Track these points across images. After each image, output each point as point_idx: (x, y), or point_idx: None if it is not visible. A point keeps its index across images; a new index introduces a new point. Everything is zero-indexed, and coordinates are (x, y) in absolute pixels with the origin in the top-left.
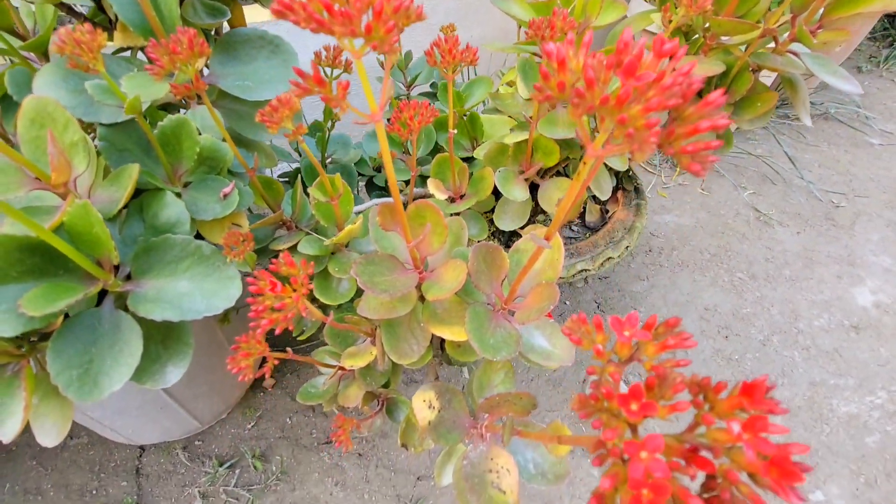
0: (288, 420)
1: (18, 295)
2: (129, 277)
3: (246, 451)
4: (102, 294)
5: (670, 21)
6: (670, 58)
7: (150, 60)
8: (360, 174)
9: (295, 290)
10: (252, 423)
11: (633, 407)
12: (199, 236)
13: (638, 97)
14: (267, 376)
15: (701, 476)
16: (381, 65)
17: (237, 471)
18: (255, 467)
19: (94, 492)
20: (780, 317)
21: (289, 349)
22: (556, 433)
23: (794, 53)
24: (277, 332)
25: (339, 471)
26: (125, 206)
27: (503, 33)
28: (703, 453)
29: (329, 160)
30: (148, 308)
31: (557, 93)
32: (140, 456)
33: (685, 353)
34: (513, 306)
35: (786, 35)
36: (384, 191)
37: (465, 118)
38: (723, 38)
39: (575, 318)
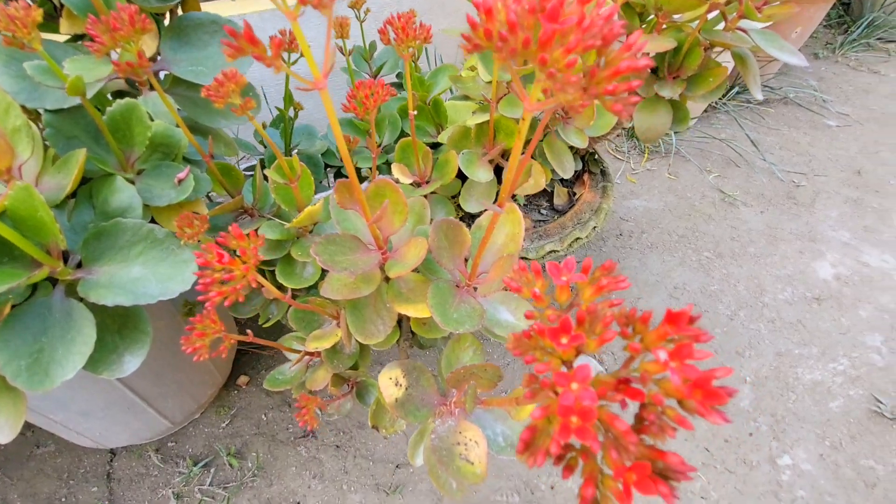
0: (263, 416)
1: None
2: (80, 266)
3: (221, 449)
4: (54, 283)
5: None
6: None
7: (91, 38)
8: (328, 165)
9: (245, 262)
10: (226, 422)
11: (564, 340)
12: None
13: (560, 40)
14: (224, 356)
15: (636, 410)
16: (341, 50)
17: (212, 469)
18: (230, 465)
19: (64, 499)
20: (746, 292)
21: (249, 332)
22: (516, 397)
23: (744, 30)
24: (227, 304)
25: (316, 463)
26: (74, 194)
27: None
28: (635, 385)
29: (295, 151)
30: (100, 293)
31: (485, 41)
32: (111, 460)
33: None
34: (477, 282)
35: (735, 13)
36: None
37: (428, 104)
38: (675, 16)
39: (516, 269)
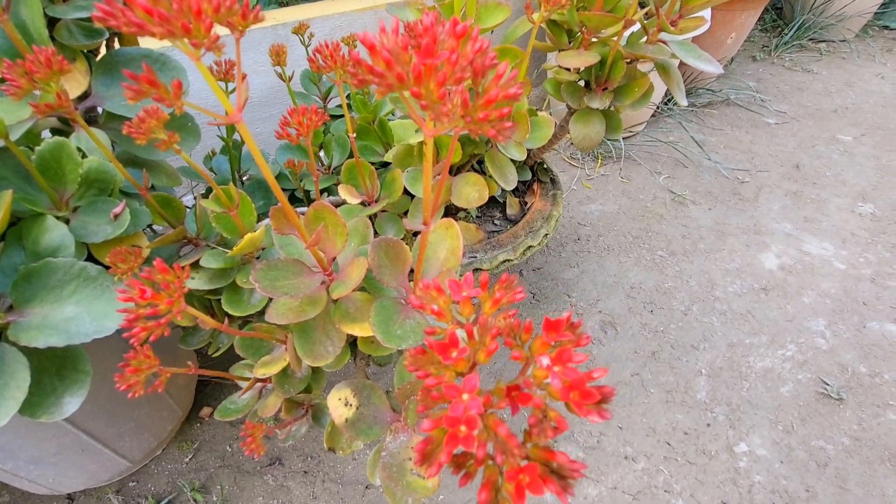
0: (228, 448)
1: None
2: (11, 309)
3: (184, 485)
4: None
5: (534, 18)
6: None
7: (6, 81)
8: (282, 189)
9: (170, 296)
10: (190, 456)
11: (453, 354)
12: (94, 261)
13: (430, 74)
14: (160, 391)
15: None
16: (281, 77)
17: None
18: (194, 500)
19: None
20: (698, 287)
21: (190, 363)
22: None
23: (664, 42)
24: (153, 339)
25: (284, 492)
26: (2, 236)
27: None
28: (525, 391)
29: (245, 177)
30: (31, 336)
31: (368, 75)
32: None
33: (616, 330)
34: None
35: (654, 27)
36: (302, 203)
37: (373, 124)
38: (600, 32)
39: (422, 287)
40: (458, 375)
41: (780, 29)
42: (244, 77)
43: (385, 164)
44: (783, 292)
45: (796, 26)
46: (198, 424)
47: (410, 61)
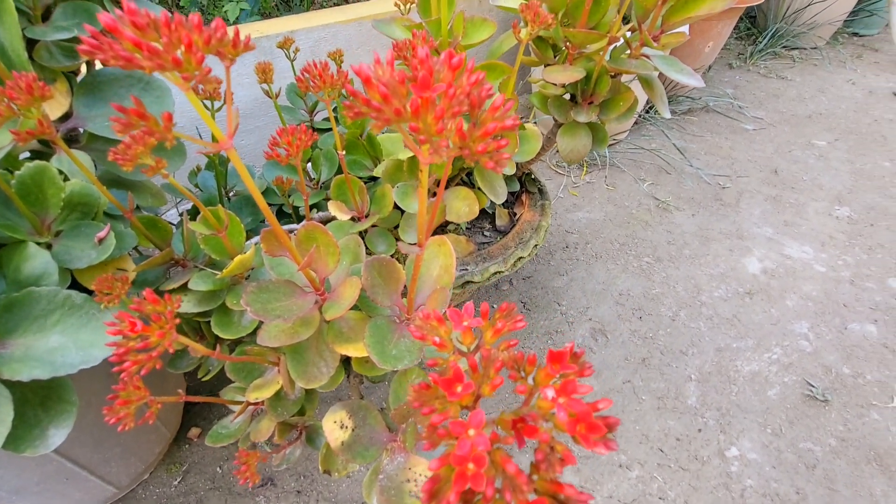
0: (218, 469)
1: None
2: None
3: None
4: None
5: (521, 36)
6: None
7: None
8: (269, 204)
9: (161, 328)
10: (178, 479)
11: (458, 389)
12: (79, 287)
13: (428, 107)
14: (150, 422)
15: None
16: (268, 94)
17: None
18: None
19: None
20: (684, 293)
21: (181, 391)
22: None
23: (647, 56)
24: (143, 372)
25: None
26: None
27: None
28: (530, 423)
29: (232, 193)
30: (13, 369)
31: (365, 108)
32: None
33: (606, 338)
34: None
35: (637, 42)
36: (290, 218)
37: (361, 138)
38: (584, 48)
39: (421, 316)
40: (462, 408)
41: (754, 37)
42: (231, 109)
43: (373, 179)
44: (767, 296)
45: (770, 34)
46: (186, 446)
47: (407, 94)
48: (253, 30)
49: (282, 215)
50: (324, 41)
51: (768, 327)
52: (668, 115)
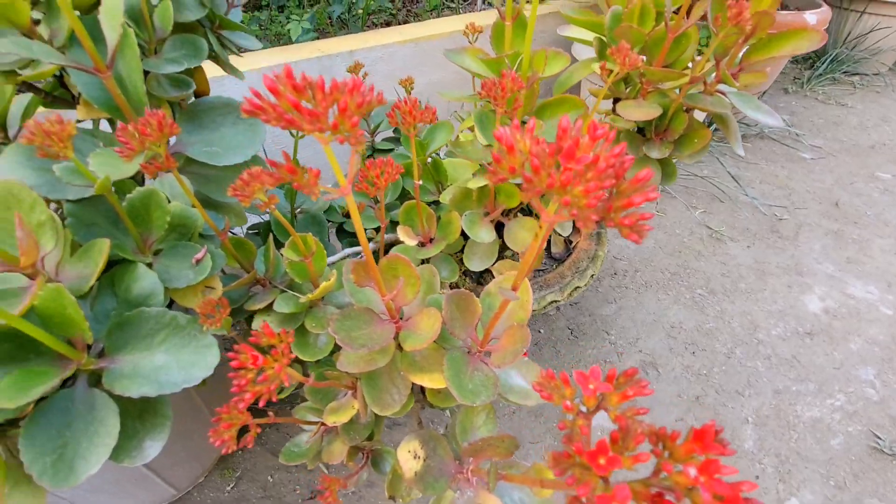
0: (270, 478)
1: None
2: (101, 354)
3: None
4: (75, 374)
5: (609, 74)
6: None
7: (119, 142)
8: (329, 221)
9: (276, 361)
10: (231, 485)
11: (601, 461)
12: (170, 303)
13: (578, 180)
14: (250, 445)
15: None
16: None
17: None
18: None
19: None
20: (740, 329)
21: (270, 412)
22: (538, 476)
23: (722, 93)
24: (261, 404)
25: None
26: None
27: (459, 77)
28: (668, 496)
29: (298, 210)
30: (125, 385)
31: (509, 174)
32: None
33: (657, 372)
34: (488, 348)
35: (712, 77)
36: (354, 237)
37: (428, 164)
38: (659, 84)
39: (544, 374)
40: (600, 479)
41: (811, 61)
42: (354, 159)
43: (433, 203)
44: (829, 337)
45: (829, 59)
46: (239, 452)
47: (555, 164)
48: (315, 48)
49: (343, 233)
50: (381, 61)
51: (831, 371)
52: (741, 153)
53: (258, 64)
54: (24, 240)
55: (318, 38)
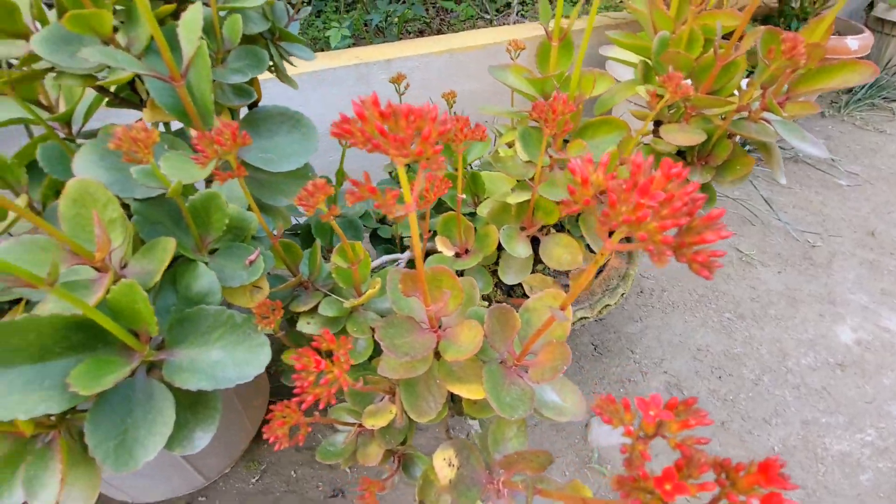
0: (293, 473)
1: (60, 372)
2: (160, 346)
3: None
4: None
5: (658, 99)
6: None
7: (195, 150)
8: (364, 226)
9: (337, 366)
10: (256, 477)
11: (668, 487)
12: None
13: (653, 216)
14: (301, 443)
15: None
16: None
17: None
18: None
19: None
20: (769, 356)
21: (316, 413)
22: (576, 493)
23: (767, 121)
24: (321, 406)
25: None
26: None
27: (494, 87)
28: None
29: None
30: (184, 378)
31: (584, 206)
32: None
33: (682, 394)
34: (525, 363)
35: (757, 104)
36: (389, 243)
37: (466, 176)
38: (703, 110)
39: (604, 398)
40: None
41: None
42: (420, 175)
43: (469, 214)
44: (861, 370)
45: (869, 84)
46: (265, 445)
47: (629, 199)
48: (353, 56)
49: (377, 239)
50: (417, 70)
51: (862, 405)
52: (783, 182)
53: (298, 70)
54: (101, 236)
55: (353, 45)
